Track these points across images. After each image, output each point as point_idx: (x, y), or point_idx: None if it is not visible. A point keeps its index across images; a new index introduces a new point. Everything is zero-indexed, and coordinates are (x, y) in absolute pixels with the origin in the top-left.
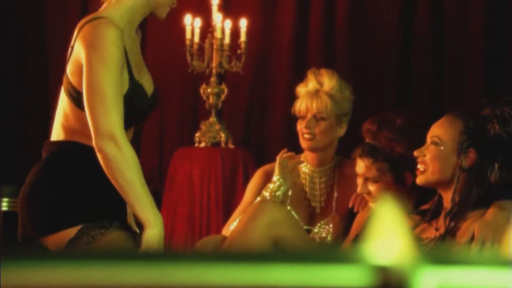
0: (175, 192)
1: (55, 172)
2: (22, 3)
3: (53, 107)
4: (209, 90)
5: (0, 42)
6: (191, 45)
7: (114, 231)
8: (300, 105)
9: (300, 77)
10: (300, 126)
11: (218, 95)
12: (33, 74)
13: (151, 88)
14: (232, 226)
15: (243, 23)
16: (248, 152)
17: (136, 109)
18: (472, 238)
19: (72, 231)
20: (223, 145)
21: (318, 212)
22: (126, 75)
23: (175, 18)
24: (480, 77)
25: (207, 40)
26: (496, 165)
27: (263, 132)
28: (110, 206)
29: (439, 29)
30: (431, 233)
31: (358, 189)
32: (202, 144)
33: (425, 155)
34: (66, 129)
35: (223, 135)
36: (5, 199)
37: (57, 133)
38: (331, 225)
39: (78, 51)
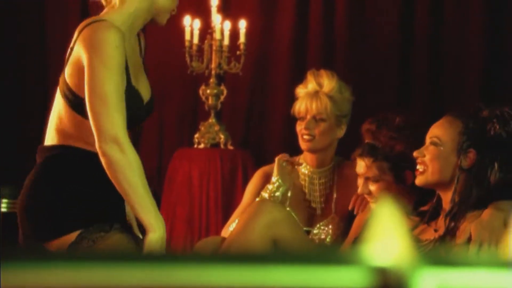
0: (174, 193)
1: (50, 178)
2: (22, 3)
3: (52, 107)
4: (208, 91)
5: (0, 42)
6: (190, 46)
7: (114, 234)
8: (300, 106)
9: (300, 78)
10: (300, 127)
11: (217, 96)
12: (33, 74)
13: (148, 95)
14: (231, 227)
15: (242, 24)
16: (248, 153)
17: (130, 115)
18: (469, 239)
19: (72, 236)
20: (222, 146)
21: (317, 213)
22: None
23: (174, 20)
24: (479, 77)
25: (206, 41)
26: (496, 165)
27: (263, 133)
28: (109, 208)
29: (438, 29)
30: (430, 234)
31: (359, 189)
32: (202, 145)
33: (424, 156)
34: (61, 133)
35: (222, 136)
36: (4, 200)
37: (51, 137)
38: (330, 226)
39: (78, 53)
